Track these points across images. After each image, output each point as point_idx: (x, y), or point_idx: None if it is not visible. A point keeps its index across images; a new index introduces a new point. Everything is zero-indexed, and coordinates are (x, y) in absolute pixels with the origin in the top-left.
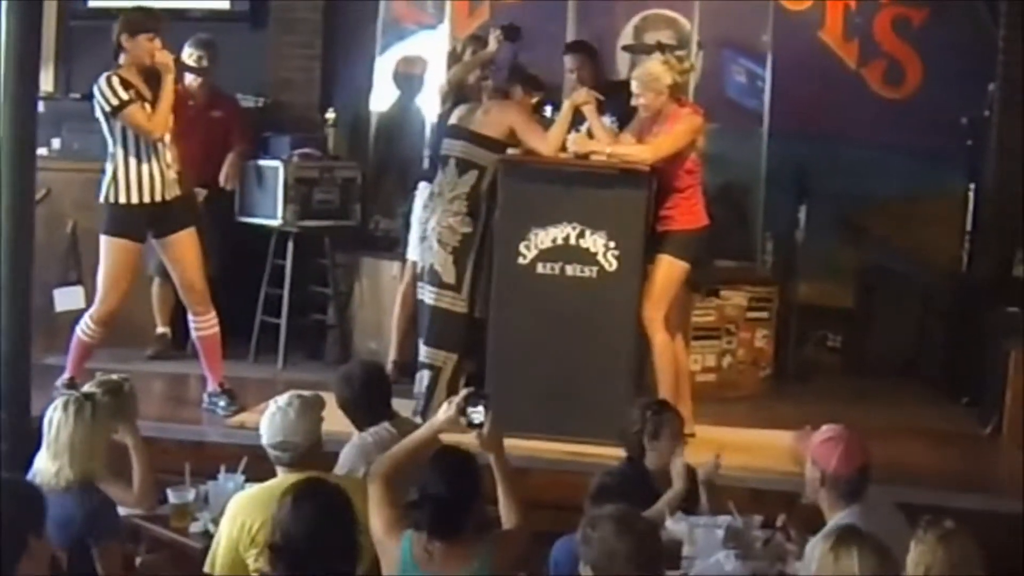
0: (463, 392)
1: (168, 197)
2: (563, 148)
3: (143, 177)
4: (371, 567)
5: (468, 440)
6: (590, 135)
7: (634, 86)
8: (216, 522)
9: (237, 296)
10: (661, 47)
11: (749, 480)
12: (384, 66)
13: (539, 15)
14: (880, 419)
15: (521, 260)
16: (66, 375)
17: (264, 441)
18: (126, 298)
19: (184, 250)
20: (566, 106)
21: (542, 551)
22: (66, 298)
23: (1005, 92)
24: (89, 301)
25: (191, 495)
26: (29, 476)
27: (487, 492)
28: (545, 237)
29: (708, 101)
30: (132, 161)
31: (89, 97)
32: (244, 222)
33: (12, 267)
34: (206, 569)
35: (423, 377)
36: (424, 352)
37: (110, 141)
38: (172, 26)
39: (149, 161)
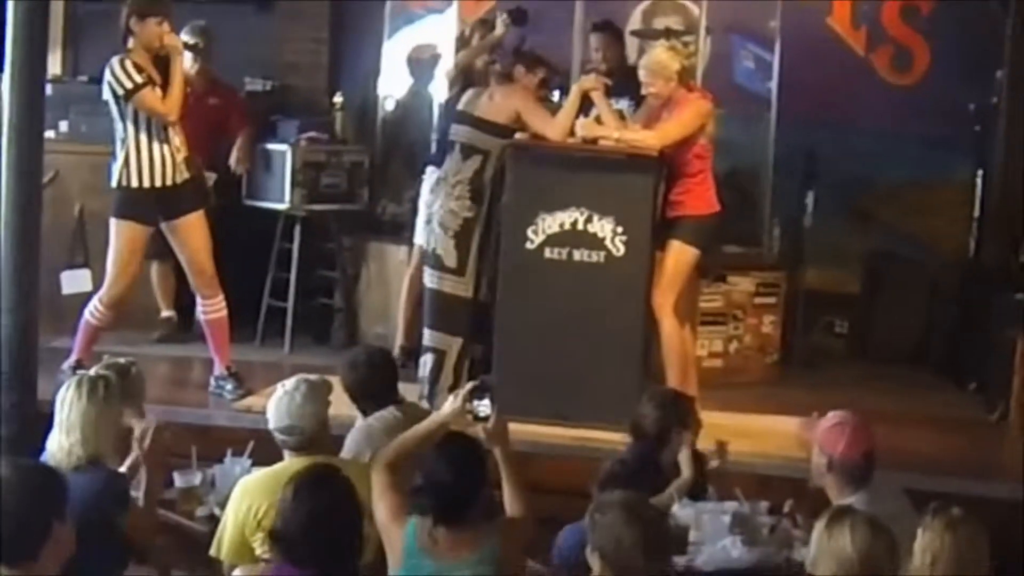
0: (469, 385)
1: (178, 180)
2: (571, 133)
3: (154, 160)
4: (375, 554)
5: (473, 432)
6: (599, 121)
7: (642, 75)
8: (222, 506)
9: (244, 280)
10: (669, 33)
11: (756, 466)
12: (392, 50)
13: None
14: (887, 405)
15: (529, 245)
16: (73, 358)
17: (271, 425)
18: (135, 282)
19: (193, 233)
20: (574, 91)
21: (548, 537)
22: (73, 281)
23: (1013, 79)
24: (96, 284)
25: (197, 479)
26: (43, 458)
27: (492, 478)
28: (553, 222)
29: (716, 87)
30: (143, 145)
31: (97, 80)
32: (251, 206)
33: (19, 250)
34: (212, 553)
35: (427, 361)
36: (427, 336)
37: (120, 125)
38: (180, 10)
39: (160, 144)
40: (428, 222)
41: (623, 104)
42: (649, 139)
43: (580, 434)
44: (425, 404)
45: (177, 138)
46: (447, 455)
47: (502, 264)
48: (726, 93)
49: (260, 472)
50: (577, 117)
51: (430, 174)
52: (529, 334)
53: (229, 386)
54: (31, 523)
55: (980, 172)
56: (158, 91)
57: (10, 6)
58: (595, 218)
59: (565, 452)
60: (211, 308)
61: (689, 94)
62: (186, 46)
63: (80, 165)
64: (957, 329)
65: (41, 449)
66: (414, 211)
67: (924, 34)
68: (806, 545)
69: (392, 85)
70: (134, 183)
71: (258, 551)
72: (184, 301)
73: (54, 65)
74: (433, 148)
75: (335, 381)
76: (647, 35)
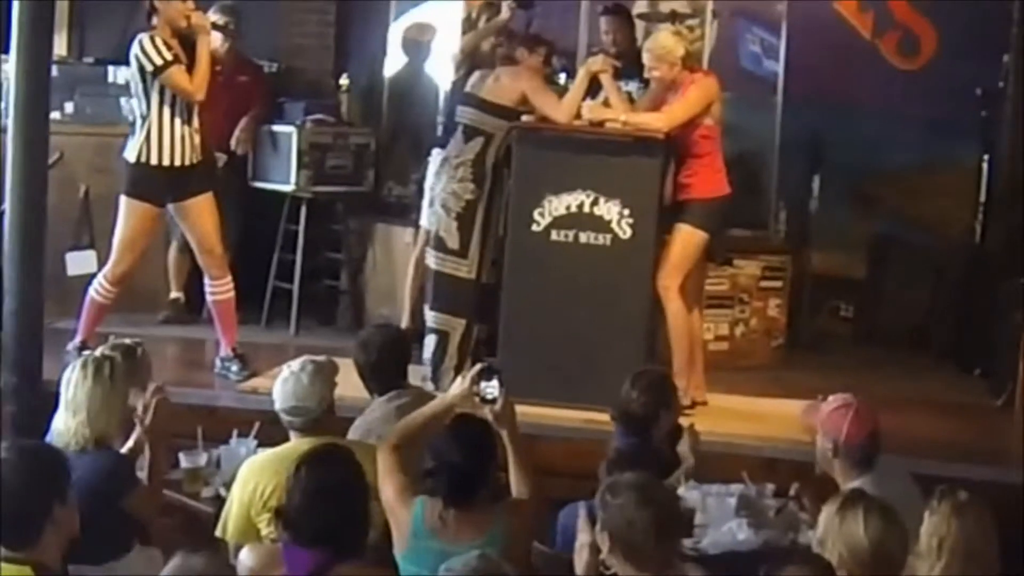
0: (476, 367)
1: (194, 161)
2: (578, 115)
3: (175, 139)
4: (381, 535)
5: (480, 414)
6: (606, 103)
7: (646, 59)
8: (228, 487)
9: (250, 261)
10: (675, 16)
11: (762, 449)
12: (398, 32)
13: None
14: (892, 390)
15: (535, 227)
16: (78, 338)
17: (277, 406)
18: (141, 260)
19: (201, 214)
20: (581, 73)
21: (554, 519)
22: (78, 262)
23: (1020, 63)
24: (102, 264)
25: (203, 459)
26: (48, 439)
27: (499, 460)
28: (559, 204)
29: (722, 70)
30: (166, 123)
31: (102, 62)
32: (257, 187)
33: (25, 231)
34: (218, 533)
35: (430, 342)
36: (431, 317)
37: (143, 102)
38: None
39: (183, 124)
40: (432, 204)
41: (632, 87)
42: (656, 122)
43: (586, 416)
44: (429, 385)
45: (196, 119)
46: (459, 436)
47: (508, 246)
48: (732, 77)
49: (266, 453)
50: (584, 99)
51: (436, 156)
52: (535, 316)
53: (235, 367)
54: (32, 504)
55: (986, 156)
56: (184, 70)
57: None
58: (601, 201)
59: (571, 434)
60: (219, 289)
61: (693, 75)
62: (216, 26)
63: (85, 146)
64: (962, 313)
65: (46, 430)
66: (420, 193)
67: (931, 18)
68: (812, 528)
69: (393, 67)
70: (153, 160)
71: (263, 532)
72: (193, 284)
73: (60, 47)
74: (439, 131)
75: (341, 362)
76: (653, 18)
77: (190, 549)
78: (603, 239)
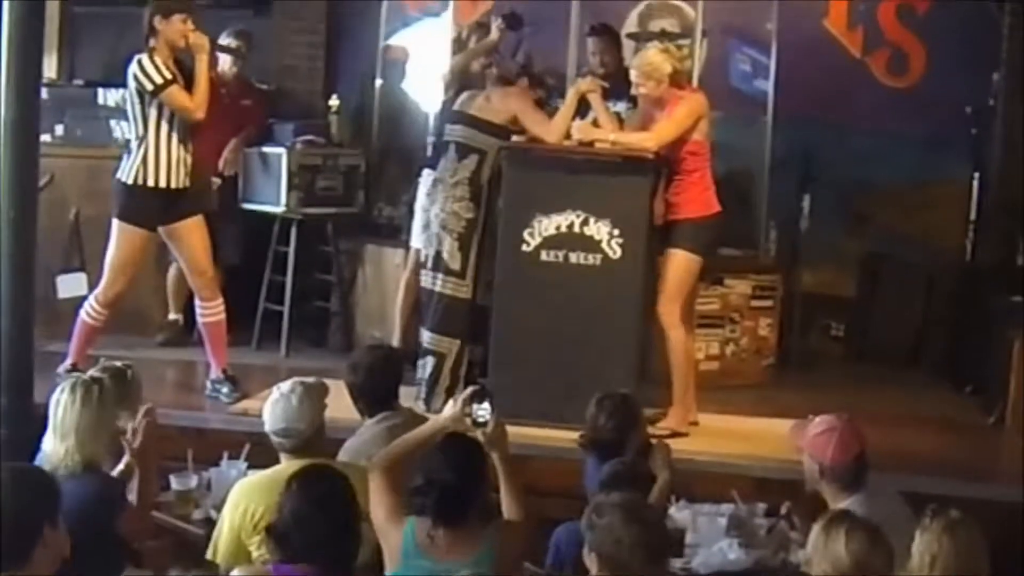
0: (468, 390)
1: (187, 184)
2: (567, 135)
3: (172, 161)
4: (372, 555)
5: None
6: (595, 124)
7: (633, 75)
8: (218, 509)
9: (240, 283)
10: (665, 35)
11: (753, 468)
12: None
13: (543, 3)
14: (884, 408)
15: (525, 247)
16: (68, 361)
17: (267, 428)
18: (133, 282)
19: (191, 236)
20: (571, 93)
21: (545, 540)
22: (69, 285)
23: (1010, 81)
24: (92, 287)
25: (193, 482)
26: (37, 461)
27: (490, 480)
28: (549, 224)
29: (713, 89)
30: (163, 144)
31: (92, 84)
32: (248, 209)
33: (15, 253)
34: (208, 556)
35: (426, 363)
36: (427, 338)
37: (139, 124)
38: None
39: (178, 146)
40: (426, 225)
41: (621, 107)
42: (645, 141)
43: (576, 436)
44: (421, 406)
45: (190, 142)
46: (449, 455)
47: (498, 267)
48: (722, 95)
49: (256, 475)
50: (573, 120)
51: (426, 177)
52: (526, 337)
53: (225, 389)
54: (22, 526)
55: (977, 174)
56: (183, 89)
57: (5, 9)
58: (591, 220)
59: (562, 454)
60: (210, 311)
61: (681, 92)
62: (226, 49)
63: (76, 169)
64: (954, 331)
65: (36, 452)
66: (410, 214)
67: (920, 35)
68: (803, 547)
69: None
70: (150, 182)
71: (254, 554)
72: (190, 305)
73: (49, 69)
74: (429, 151)
75: (331, 384)
76: (642, 37)
77: (181, 572)
78: (593, 259)
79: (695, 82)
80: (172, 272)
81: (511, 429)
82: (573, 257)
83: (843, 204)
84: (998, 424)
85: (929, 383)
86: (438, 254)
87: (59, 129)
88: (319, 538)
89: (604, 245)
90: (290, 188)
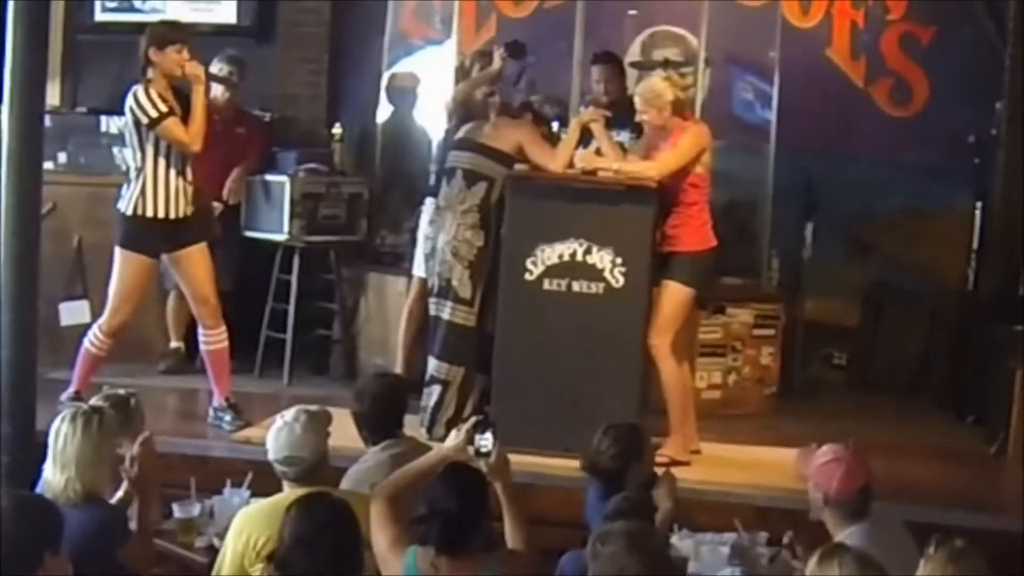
0: (471, 420)
1: (188, 213)
2: (570, 165)
3: (170, 192)
4: None
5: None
6: (599, 153)
7: (636, 102)
8: (221, 537)
9: (243, 311)
10: (668, 64)
11: (755, 497)
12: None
13: (546, 31)
14: (885, 437)
15: (528, 276)
16: (71, 389)
17: (270, 456)
18: (137, 311)
19: (195, 264)
20: (573, 124)
21: (548, 569)
22: (72, 312)
23: (1012, 110)
24: (95, 316)
25: (196, 510)
26: (38, 489)
27: (493, 509)
28: (552, 253)
29: (715, 118)
30: (161, 175)
31: (95, 112)
32: (250, 237)
33: (18, 281)
34: None
35: (432, 392)
36: (434, 366)
37: (138, 154)
38: None
39: (177, 176)
40: (430, 253)
41: (624, 136)
42: (648, 170)
43: (579, 465)
44: (424, 433)
45: (190, 171)
46: (452, 484)
47: (501, 295)
48: (725, 124)
49: (259, 503)
50: (576, 149)
51: (429, 205)
52: (529, 365)
53: (228, 417)
54: (22, 553)
55: (979, 203)
56: (179, 121)
57: (9, 36)
58: (594, 249)
59: (564, 483)
60: (213, 339)
61: (684, 122)
62: (217, 77)
63: (78, 196)
64: (956, 361)
65: (38, 479)
66: (413, 242)
67: (923, 65)
68: None
69: (381, 115)
70: (149, 212)
71: None
72: (192, 333)
73: (53, 96)
74: (432, 179)
75: (335, 412)
76: (646, 66)
77: None
78: (596, 288)
79: (698, 110)
80: (171, 300)
81: (513, 458)
82: (576, 286)
83: (845, 233)
84: (1000, 454)
85: (931, 412)
86: (448, 282)
87: (62, 156)
88: (320, 564)
89: (607, 274)
90: (293, 216)
